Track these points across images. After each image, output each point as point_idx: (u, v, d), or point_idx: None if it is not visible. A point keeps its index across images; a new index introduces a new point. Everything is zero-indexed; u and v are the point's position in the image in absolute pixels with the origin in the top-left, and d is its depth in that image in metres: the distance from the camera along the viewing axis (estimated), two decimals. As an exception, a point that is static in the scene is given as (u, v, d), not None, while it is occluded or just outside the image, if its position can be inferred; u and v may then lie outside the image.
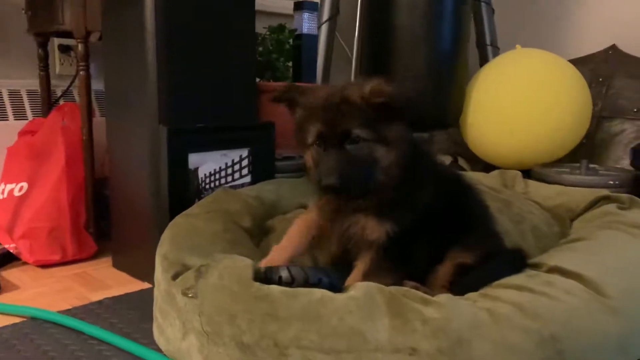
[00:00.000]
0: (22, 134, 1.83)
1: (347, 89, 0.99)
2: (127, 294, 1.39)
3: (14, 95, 1.98)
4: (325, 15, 2.30)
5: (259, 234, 1.33)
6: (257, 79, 1.88)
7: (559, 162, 2.06)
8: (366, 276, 0.99)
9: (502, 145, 2.04)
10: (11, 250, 1.61)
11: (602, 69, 2.32)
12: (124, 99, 1.53)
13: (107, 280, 1.53)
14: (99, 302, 1.33)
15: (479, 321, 0.82)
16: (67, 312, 1.25)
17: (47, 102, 1.96)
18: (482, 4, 2.34)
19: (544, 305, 0.86)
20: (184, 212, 1.29)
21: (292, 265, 0.97)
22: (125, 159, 1.55)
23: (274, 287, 0.88)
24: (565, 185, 1.69)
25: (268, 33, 2.18)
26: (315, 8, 2.31)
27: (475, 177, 1.63)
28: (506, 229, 1.26)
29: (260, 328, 0.84)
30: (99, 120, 1.79)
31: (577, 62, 2.21)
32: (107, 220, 1.67)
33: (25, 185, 1.69)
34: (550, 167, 1.98)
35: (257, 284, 0.89)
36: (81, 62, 1.69)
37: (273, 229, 1.35)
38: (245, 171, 1.62)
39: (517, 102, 1.98)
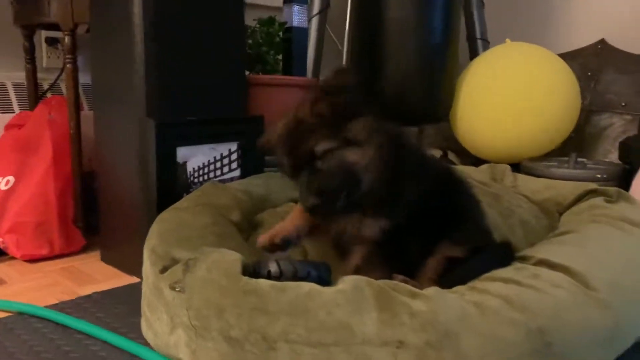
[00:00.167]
0: (8, 127, 1.80)
1: (299, 109, 0.97)
2: (115, 288, 1.38)
3: (0, 88, 1.96)
4: (316, 8, 2.29)
5: (248, 228, 1.33)
6: (247, 72, 1.87)
7: (548, 155, 2.07)
8: (357, 270, 0.99)
9: (492, 139, 2.05)
10: (-2, 245, 1.60)
11: (591, 63, 2.34)
12: (111, 92, 1.51)
13: (96, 275, 1.52)
14: (88, 297, 1.32)
15: (466, 314, 0.82)
16: (55, 307, 1.24)
17: (34, 95, 1.93)
18: (472, -3, 2.34)
19: (531, 298, 0.86)
20: (172, 206, 1.28)
21: (281, 259, 0.97)
22: (113, 152, 1.54)
23: (263, 281, 0.88)
24: (554, 178, 1.69)
25: (258, 26, 2.16)
26: (305, 1, 2.29)
27: (465, 171, 1.63)
28: (495, 222, 1.26)
29: (248, 322, 0.83)
30: (86, 113, 1.77)
31: (567, 56, 2.21)
32: (95, 213, 1.65)
33: (11, 179, 1.67)
34: (539, 160, 1.99)
35: (246, 278, 0.89)
36: (68, 55, 1.67)
37: (262, 223, 1.34)
38: (234, 165, 1.62)
39: (507, 96, 1.99)
